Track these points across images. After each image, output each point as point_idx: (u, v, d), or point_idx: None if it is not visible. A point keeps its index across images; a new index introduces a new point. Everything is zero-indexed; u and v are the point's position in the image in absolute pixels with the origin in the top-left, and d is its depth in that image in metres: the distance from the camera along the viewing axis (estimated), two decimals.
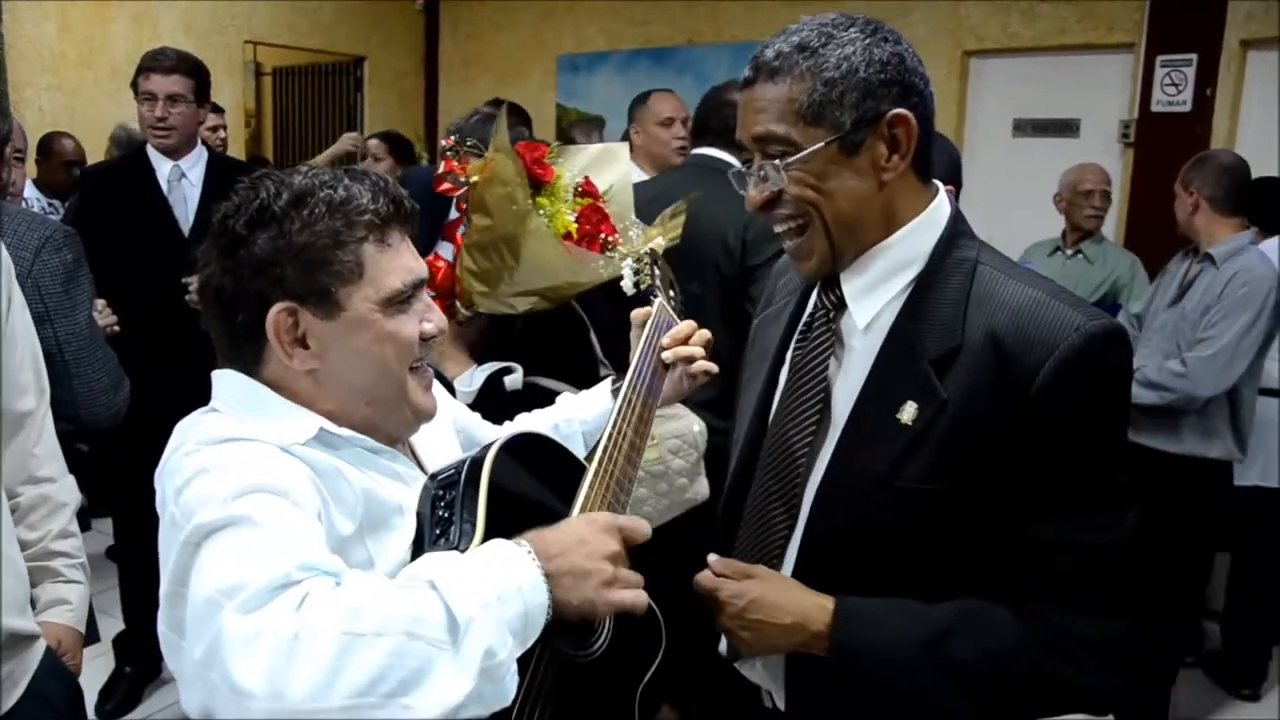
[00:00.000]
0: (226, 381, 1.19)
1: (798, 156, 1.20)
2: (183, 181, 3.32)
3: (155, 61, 3.23)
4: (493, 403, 2.15)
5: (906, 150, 1.21)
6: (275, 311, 1.13)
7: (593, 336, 2.35)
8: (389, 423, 1.22)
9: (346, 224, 1.13)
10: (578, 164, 2.34)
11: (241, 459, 1.06)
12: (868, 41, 1.20)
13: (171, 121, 3.23)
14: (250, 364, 1.18)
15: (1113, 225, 4.62)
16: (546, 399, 1.76)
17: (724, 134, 2.87)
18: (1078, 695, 1.21)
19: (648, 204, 2.40)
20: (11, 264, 1.62)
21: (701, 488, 2.34)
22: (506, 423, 1.68)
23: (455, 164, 2.27)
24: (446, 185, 2.26)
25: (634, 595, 1.07)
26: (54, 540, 1.76)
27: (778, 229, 1.29)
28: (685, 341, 1.59)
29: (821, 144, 1.19)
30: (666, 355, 1.58)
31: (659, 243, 1.90)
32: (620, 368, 1.57)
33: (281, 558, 0.94)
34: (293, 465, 1.08)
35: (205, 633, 0.91)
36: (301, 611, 0.89)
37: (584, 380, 2.17)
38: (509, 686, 0.95)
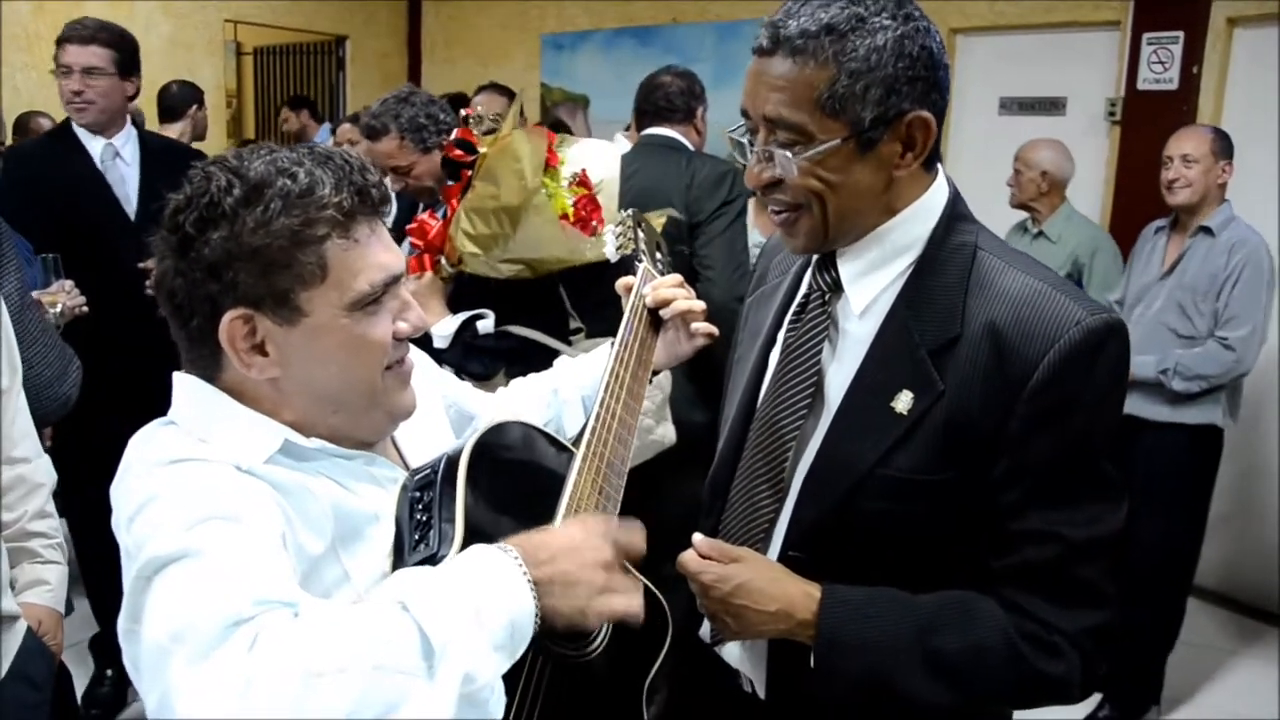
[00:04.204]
0: (186, 389, 1.09)
1: (812, 151, 1.14)
2: (117, 160, 3.11)
3: (73, 31, 2.99)
4: (465, 346, 2.38)
5: (922, 151, 1.17)
6: (229, 319, 1.03)
7: (562, 290, 2.44)
8: (360, 429, 1.13)
9: (305, 221, 1.01)
10: (576, 155, 2.51)
11: (195, 483, 0.98)
12: (900, 32, 1.12)
13: (89, 95, 2.98)
14: (209, 369, 1.09)
15: (1098, 203, 4.62)
16: (519, 345, 1.75)
17: (664, 110, 3.15)
18: (1060, 688, 1.19)
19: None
20: None
21: (668, 431, 2.47)
22: (501, 389, 1.64)
23: (473, 135, 2.45)
24: (458, 151, 2.46)
25: (626, 603, 1.01)
26: (31, 521, 1.74)
27: (773, 209, 1.25)
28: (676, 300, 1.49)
29: (837, 140, 1.13)
30: (664, 312, 1.49)
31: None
32: (586, 319, 1.53)
33: (233, 594, 0.86)
34: (252, 486, 1.00)
35: (156, 683, 0.86)
36: (254, 653, 0.81)
37: (553, 328, 2.33)
38: (494, 710, 0.90)
